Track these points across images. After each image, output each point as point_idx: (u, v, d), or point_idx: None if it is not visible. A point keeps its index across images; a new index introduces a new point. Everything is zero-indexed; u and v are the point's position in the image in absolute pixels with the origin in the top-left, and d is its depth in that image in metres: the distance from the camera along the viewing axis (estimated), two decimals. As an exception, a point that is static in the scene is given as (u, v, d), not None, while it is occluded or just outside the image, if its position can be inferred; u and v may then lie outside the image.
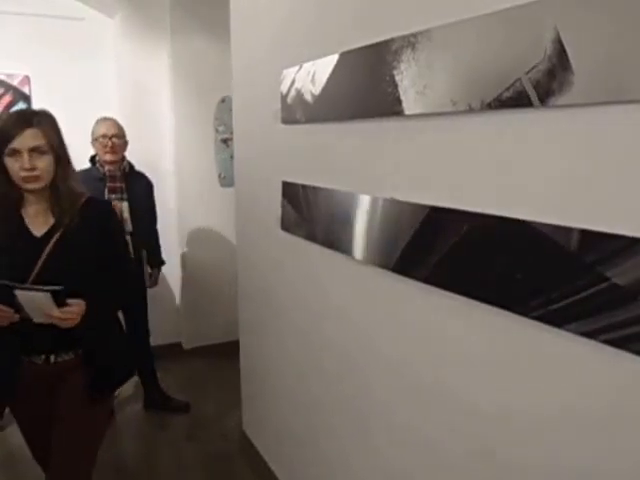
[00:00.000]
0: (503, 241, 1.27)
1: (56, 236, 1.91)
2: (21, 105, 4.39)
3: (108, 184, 3.41)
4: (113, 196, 3.39)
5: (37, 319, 1.85)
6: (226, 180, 4.54)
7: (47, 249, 1.89)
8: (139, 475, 3.08)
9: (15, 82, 4.36)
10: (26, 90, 4.40)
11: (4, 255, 1.88)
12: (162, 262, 3.92)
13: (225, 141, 4.52)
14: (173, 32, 4.25)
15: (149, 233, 3.73)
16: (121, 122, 4.22)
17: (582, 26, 1.05)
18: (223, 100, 4.45)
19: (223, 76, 4.13)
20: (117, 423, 3.57)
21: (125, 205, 3.43)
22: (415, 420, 1.68)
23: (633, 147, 0.99)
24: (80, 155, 4.45)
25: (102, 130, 3.44)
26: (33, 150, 1.85)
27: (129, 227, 3.41)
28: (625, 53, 0.97)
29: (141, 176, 3.64)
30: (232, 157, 4.43)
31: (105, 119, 3.55)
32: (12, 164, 1.84)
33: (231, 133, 4.46)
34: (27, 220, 1.94)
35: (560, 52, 1.09)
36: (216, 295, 4.63)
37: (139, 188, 3.56)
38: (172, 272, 4.63)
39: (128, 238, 3.22)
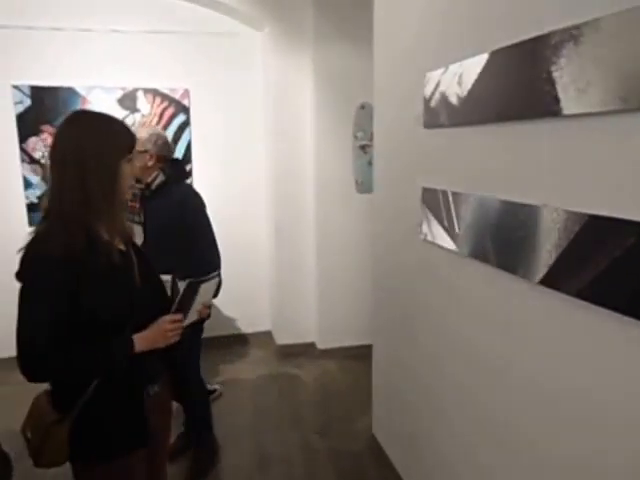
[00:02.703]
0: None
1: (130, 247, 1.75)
2: (182, 117, 4.70)
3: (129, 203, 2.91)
4: (130, 216, 2.94)
5: (187, 322, 1.80)
6: (363, 186, 4.51)
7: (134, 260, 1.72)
8: (272, 462, 3.18)
9: (177, 95, 4.68)
10: (186, 102, 4.70)
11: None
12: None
13: (363, 147, 4.50)
14: (316, 41, 4.33)
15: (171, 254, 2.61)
16: (266, 128, 4.38)
17: None
18: (362, 106, 4.44)
19: (363, 82, 4.15)
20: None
21: (138, 229, 2.87)
22: (552, 440, 1.52)
23: None
24: (233, 158, 4.81)
25: None
26: None
27: None
28: None
29: (172, 192, 2.87)
30: (370, 163, 4.45)
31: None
32: (127, 170, 1.65)
33: (369, 139, 4.45)
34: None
35: None
36: (351, 299, 4.69)
37: (160, 207, 2.85)
38: (308, 274, 4.76)
39: None
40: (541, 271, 1.54)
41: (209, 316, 2.06)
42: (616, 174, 1.29)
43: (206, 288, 1.82)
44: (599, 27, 1.28)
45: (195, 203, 2.89)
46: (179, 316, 1.68)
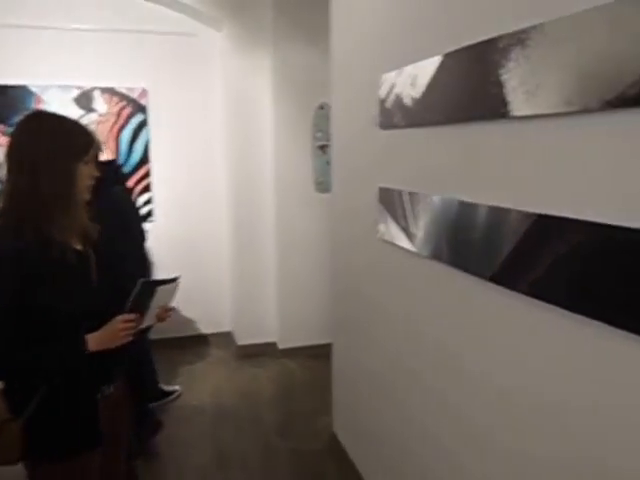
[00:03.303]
0: (623, 254, 1.14)
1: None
2: (140, 116, 4.65)
3: None
4: None
5: (144, 324, 1.78)
6: (322, 186, 4.54)
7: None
8: (231, 462, 3.17)
9: (135, 95, 4.63)
10: (144, 102, 4.65)
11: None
12: None
13: (322, 147, 4.52)
14: (275, 41, 4.34)
15: None
16: (225, 128, 4.37)
17: None
18: (321, 107, 4.46)
19: (322, 83, 4.18)
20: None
21: None
22: (498, 427, 1.57)
23: None
24: (193, 159, 4.77)
25: None
26: None
27: None
28: None
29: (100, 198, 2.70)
30: (328, 163, 4.46)
31: None
32: (85, 171, 1.64)
33: (328, 140, 4.47)
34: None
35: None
36: (312, 298, 4.71)
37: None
38: (269, 274, 4.75)
39: None
40: (492, 269, 1.58)
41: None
42: (562, 174, 1.33)
43: (165, 291, 1.80)
44: (544, 32, 1.32)
45: (125, 209, 2.85)
46: (132, 316, 1.67)
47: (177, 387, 3.99)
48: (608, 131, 1.19)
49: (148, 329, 1.85)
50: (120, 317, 1.65)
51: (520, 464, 1.56)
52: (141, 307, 1.71)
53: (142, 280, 1.70)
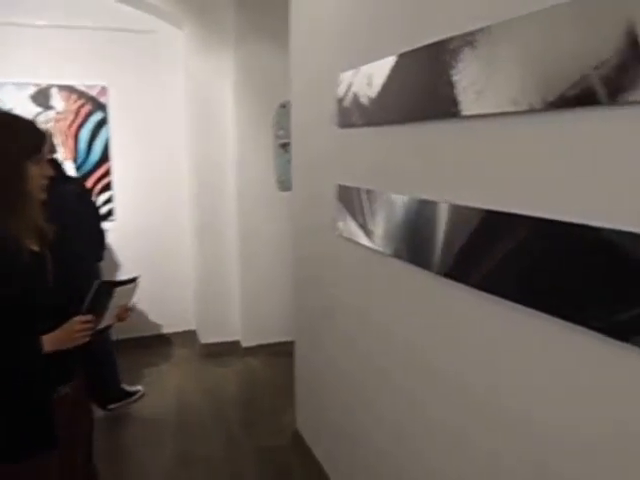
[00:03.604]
0: (565, 247, 1.19)
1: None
2: (99, 114, 4.58)
3: None
4: None
5: (102, 325, 1.78)
6: (284, 184, 4.55)
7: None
8: (195, 461, 3.16)
9: (94, 93, 4.56)
10: (103, 100, 4.59)
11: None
12: None
13: (284, 146, 4.53)
14: (237, 40, 4.33)
15: None
16: (187, 127, 4.35)
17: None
18: (283, 105, 4.46)
19: (283, 82, 4.16)
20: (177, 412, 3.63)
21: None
22: (459, 422, 1.61)
23: None
24: (154, 157, 4.73)
25: None
26: None
27: None
28: None
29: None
30: (290, 162, 4.49)
31: None
32: (36, 170, 1.61)
33: (290, 138, 4.49)
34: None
35: (633, 45, 1.00)
36: (275, 296, 4.72)
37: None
38: (232, 273, 4.75)
39: None
40: (446, 265, 1.62)
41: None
42: (509, 172, 1.38)
43: (123, 291, 1.80)
44: (491, 34, 1.36)
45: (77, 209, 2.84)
46: (89, 317, 1.66)
47: (140, 387, 3.96)
48: (551, 130, 1.23)
49: (107, 329, 1.84)
50: (77, 318, 1.64)
51: (490, 463, 1.60)
52: (98, 308, 1.71)
53: (98, 281, 1.70)
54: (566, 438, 1.25)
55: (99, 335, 1.77)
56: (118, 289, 1.76)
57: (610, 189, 1.09)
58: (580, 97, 1.12)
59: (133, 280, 1.84)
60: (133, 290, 1.86)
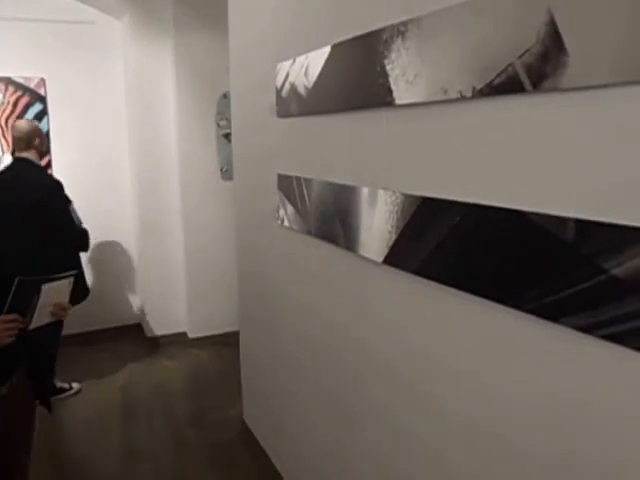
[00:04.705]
0: (495, 232, 1.22)
1: None
2: (38, 106, 4.46)
3: None
4: None
5: (35, 323, 1.72)
6: (228, 174, 4.52)
7: None
8: (142, 457, 3.12)
9: (32, 85, 4.42)
10: (42, 92, 4.46)
11: None
12: None
13: (226, 136, 4.49)
14: (176, 30, 4.26)
15: None
16: (127, 119, 4.26)
17: (576, 6, 1.00)
18: (225, 95, 4.42)
19: (225, 72, 4.11)
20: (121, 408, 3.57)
21: None
22: (403, 415, 1.65)
23: (634, 131, 0.94)
24: (95, 149, 4.62)
25: None
26: None
27: None
28: (626, 32, 0.92)
29: None
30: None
31: None
32: None
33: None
34: None
35: (553, 34, 1.04)
36: (220, 287, 4.69)
37: None
38: (177, 264, 4.72)
39: None
40: (384, 251, 1.64)
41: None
42: (442, 159, 1.40)
43: (55, 288, 1.74)
44: (421, 25, 1.38)
45: None
46: (13, 316, 1.61)
47: (74, 384, 3.86)
48: (481, 118, 1.26)
49: (42, 327, 1.77)
50: (1, 317, 1.60)
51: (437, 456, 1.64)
52: (23, 306, 1.65)
53: (19, 278, 1.63)
54: (498, 418, 1.29)
55: (32, 333, 1.72)
56: (46, 286, 1.69)
57: (537, 174, 1.13)
58: (506, 85, 1.16)
59: (65, 277, 1.78)
60: (67, 286, 1.81)
